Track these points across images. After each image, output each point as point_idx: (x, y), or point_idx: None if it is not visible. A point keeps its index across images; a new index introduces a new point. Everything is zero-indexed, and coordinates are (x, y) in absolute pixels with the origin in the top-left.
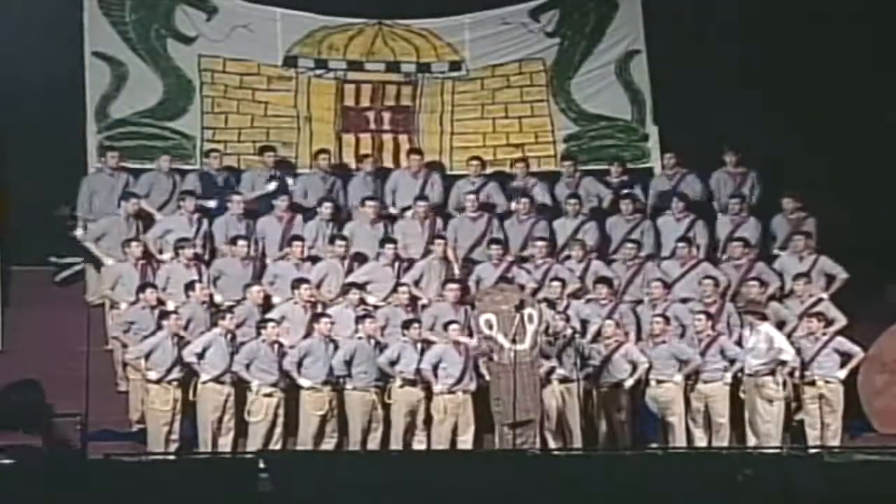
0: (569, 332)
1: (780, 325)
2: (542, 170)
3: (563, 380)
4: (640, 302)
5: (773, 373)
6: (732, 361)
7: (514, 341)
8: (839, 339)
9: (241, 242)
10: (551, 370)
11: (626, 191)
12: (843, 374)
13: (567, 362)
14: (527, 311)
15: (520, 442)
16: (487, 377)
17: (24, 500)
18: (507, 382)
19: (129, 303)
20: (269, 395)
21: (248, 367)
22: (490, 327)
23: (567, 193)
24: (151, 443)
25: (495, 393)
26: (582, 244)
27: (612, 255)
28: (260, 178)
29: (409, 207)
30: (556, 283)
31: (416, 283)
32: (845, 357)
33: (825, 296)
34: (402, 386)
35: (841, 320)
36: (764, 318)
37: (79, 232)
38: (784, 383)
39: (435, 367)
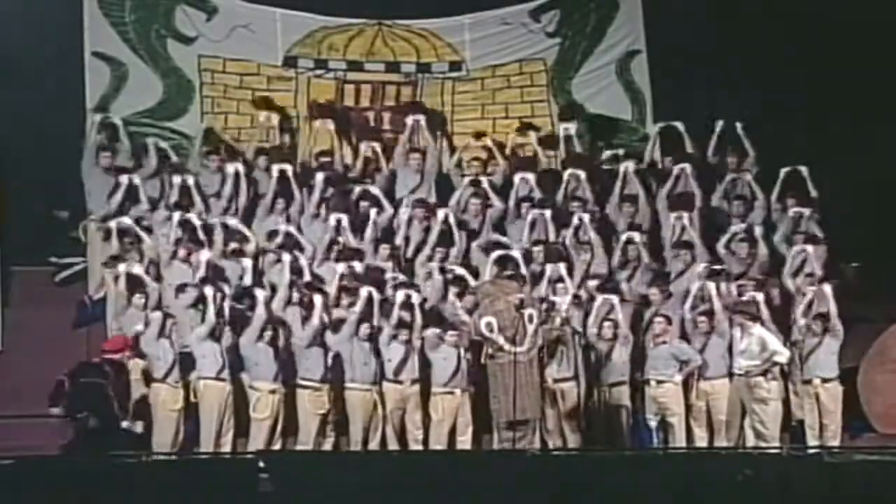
0: (568, 331)
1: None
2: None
3: (563, 379)
4: (640, 302)
5: (764, 374)
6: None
7: (513, 342)
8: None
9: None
10: (551, 370)
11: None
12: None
13: (567, 362)
14: (527, 311)
15: (518, 437)
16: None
17: (25, 500)
18: (506, 382)
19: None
20: (273, 391)
21: (250, 366)
22: (491, 330)
23: (568, 193)
24: (158, 443)
25: (494, 391)
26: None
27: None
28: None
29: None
30: (557, 284)
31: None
32: (844, 354)
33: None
34: (390, 385)
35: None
36: (754, 318)
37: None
38: (779, 382)
39: (430, 367)
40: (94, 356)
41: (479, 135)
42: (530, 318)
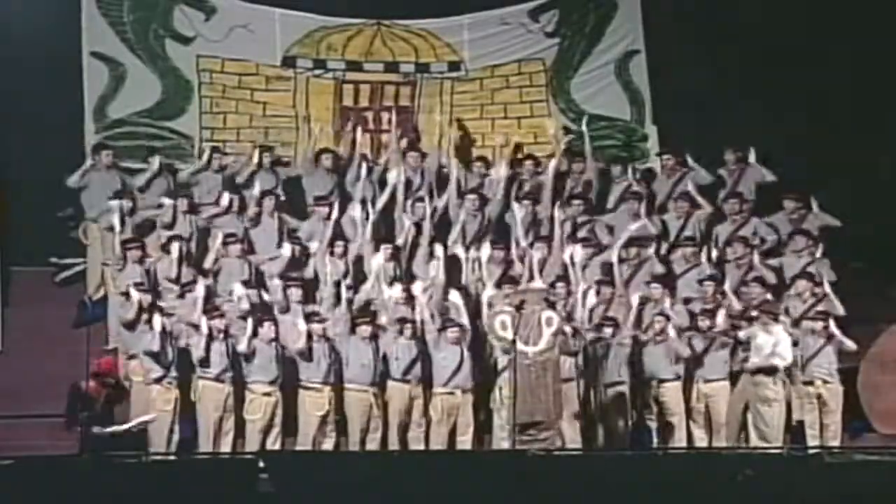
0: (570, 331)
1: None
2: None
3: (564, 380)
4: (641, 302)
5: (772, 374)
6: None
7: (526, 342)
8: (838, 337)
9: (233, 241)
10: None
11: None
12: (836, 365)
13: (568, 362)
14: (545, 313)
15: (540, 439)
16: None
17: (25, 500)
18: (520, 382)
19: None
20: (268, 394)
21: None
22: (504, 328)
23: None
24: (153, 443)
25: (507, 392)
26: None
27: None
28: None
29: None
30: (559, 283)
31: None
32: (844, 355)
33: (828, 289)
34: (396, 384)
35: (838, 310)
36: (776, 318)
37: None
38: (785, 384)
39: (430, 367)
40: (94, 356)
41: (479, 158)
42: (549, 321)
